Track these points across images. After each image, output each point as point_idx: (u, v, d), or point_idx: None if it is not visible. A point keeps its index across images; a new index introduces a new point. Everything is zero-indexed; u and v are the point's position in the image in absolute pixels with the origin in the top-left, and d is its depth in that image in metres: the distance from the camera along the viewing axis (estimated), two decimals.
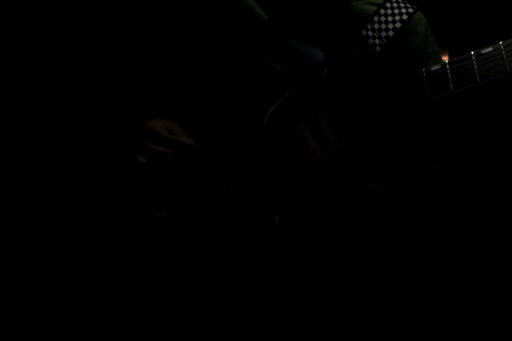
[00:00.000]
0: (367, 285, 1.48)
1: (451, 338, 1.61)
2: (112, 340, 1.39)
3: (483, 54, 1.14)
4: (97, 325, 1.40)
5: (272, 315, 1.41)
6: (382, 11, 1.46)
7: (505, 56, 1.11)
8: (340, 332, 1.45)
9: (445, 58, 1.77)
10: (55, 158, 1.52)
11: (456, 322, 1.62)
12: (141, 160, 1.38)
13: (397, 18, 1.46)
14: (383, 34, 1.45)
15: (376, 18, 1.46)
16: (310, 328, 1.43)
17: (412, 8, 1.48)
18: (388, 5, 1.47)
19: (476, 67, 1.13)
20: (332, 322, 1.44)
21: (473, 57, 1.14)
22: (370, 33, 1.45)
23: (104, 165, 1.45)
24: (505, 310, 1.65)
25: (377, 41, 1.44)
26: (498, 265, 1.76)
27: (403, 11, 1.46)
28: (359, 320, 1.47)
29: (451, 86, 1.15)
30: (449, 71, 1.16)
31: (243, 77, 1.44)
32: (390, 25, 1.45)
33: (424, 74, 1.20)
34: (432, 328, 1.58)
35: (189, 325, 1.37)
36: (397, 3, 1.47)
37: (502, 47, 1.11)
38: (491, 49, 1.13)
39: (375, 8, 1.47)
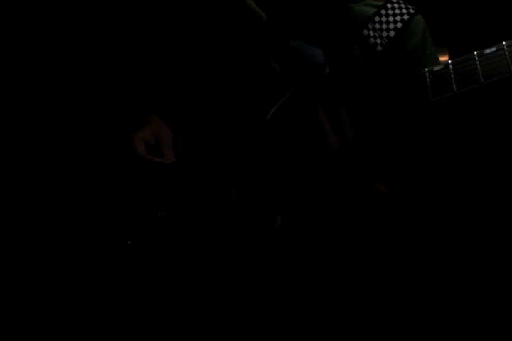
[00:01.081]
0: (369, 285, 1.48)
1: (451, 338, 1.61)
2: (112, 340, 1.39)
3: (487, 54, 1.14)
4: (98, 324, 1.39)
5: (273, 315, 1.40)
6: (383, 11, 1.47)
7: (508, 56, 1.11)
8: (340, 332, 1.45)
9: (445, 58, 1.77)
10: (59, 158, 1.52)
11: (456, 322, 1.63)
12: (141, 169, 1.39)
13: (398, 18, 1.46)
14: (384, 34, 1.45)
15: (377, 18, 1.46)
16: (310, 328, 1.43)
17: (412, 8, 1.49)
18: (389, 5, 1.47)
19: (479, 67, 1.13)
20: (333, 322, 1.44)
21: (477, 58, 1.14)
22: (372, 33, 1.45)
23: (107, 165, 1.45)
24: (505, 310, 1.65)
25: (378, 41, 1.45)
26: (494, 263, 1.76)
27: (404, 11, 1.47)
28: (360, 320, 1.47)
29: (455, 86, 1.15)
30: (452, 71, 1.16)
31: (244, 78, 1.44)
32: (391, 25, 1.45)
33: (427, 74, 1.19)
34: (432, 328, 1.58)
35: (189, 325, 1.37)
36: (398, 3, 1.48)
37: (505, 47, 1.11)
38: (494, 49, 1.13)
39: (373, 9, 1.48)
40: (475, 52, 1.15)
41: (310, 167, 1.30)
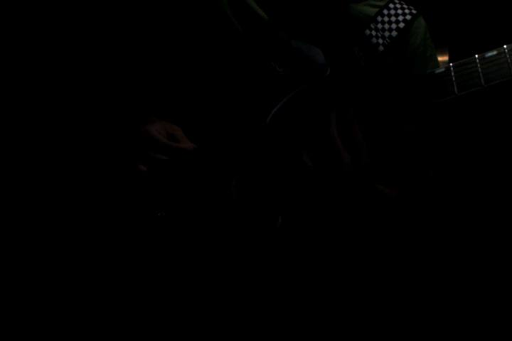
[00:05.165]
0: (370, 286, 1.49)
1: (451, 338, 1.62)
2: (112, 340, 1.39)
3: (488, 57, 1.14)
4: (98, 324, 1.40)
5: (272, 316, 1.41)
6: (385, 11, 1.47)
7: (509, 59, 1.11)
8: (340, 332, 1.46)
9: (445, 58, 1.77)
10: (59, 159, 1.52)
11: (456, 322, 1.63)
12: (142, 168, 1.36)
13: (401, 18, 1.46)
14: (386, 34, 1.45)
15: (380, 18, 1.46)
16: (310, 328, 1.44)
17: (415, 9, 1.49)
18: (392, 6, 1.48)
19: (480, 70, 1.13)
20: (333, 322, 1.45)
21: (478, 61, 1.14)
22: (374, 33, 1.45)
23: (107, 166, 1.44)
24: (505, 310, 1.66)
25: (380, 41, 1.45)
26: (491, 263, 1.77)
27: (407, 11, 1.47)
28: (360, 321, 1.47)
29: (456, 89, 1.15)
30: (453, 74, 1.16)
31: (245, 79, 1.44)
32: (394, 26, 1.46)
33: (428, 76, 1.20)
34: (432, 328, 1.59)
35: (189, 325, 1.37)
36: (401, 4, 1.49)
37: (506, 50, 1.12)
38: (495, 52, 1.13)
39: (374, 9, 1.48)
40: (476, 56, 1.15)
41: (326, 177, 1.27)
